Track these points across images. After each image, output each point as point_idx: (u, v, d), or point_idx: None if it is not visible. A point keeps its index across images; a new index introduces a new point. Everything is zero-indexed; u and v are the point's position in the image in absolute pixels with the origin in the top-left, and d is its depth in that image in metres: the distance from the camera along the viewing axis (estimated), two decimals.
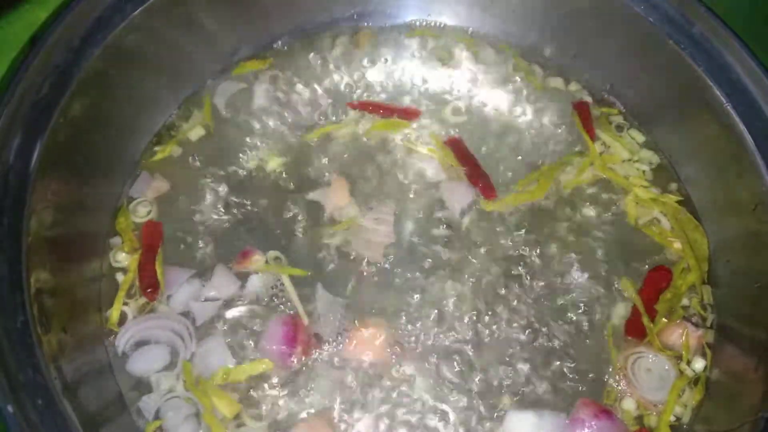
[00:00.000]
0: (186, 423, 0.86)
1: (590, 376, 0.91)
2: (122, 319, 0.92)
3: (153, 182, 1.02)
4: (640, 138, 1.09)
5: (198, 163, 1.04)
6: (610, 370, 0.91)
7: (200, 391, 0.87)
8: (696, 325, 0.95)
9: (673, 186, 1.06)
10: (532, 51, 1.16)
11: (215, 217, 1.00)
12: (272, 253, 0.97)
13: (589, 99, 1.13)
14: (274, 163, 1.04)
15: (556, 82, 1.14)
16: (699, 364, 0.93)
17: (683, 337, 0.93)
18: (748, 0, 1.12)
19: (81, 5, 0.88)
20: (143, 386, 0.89)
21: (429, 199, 1.03)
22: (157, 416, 0.86)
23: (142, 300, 0.93)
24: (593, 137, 1.07)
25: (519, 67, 1.15)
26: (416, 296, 0.95)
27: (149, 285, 0.93)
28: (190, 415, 0.86)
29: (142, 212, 1.00)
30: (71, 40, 0.87)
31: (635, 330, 0.94)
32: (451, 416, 0.88)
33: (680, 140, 1.05)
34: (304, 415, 0.87)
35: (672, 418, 0.89)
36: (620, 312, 0.96)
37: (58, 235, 0.86)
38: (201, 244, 0.98)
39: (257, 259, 0.96)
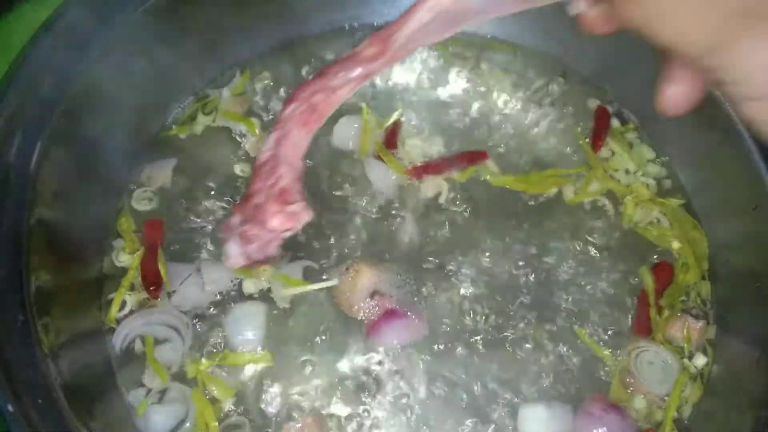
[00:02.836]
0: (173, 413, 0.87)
1: (595, 372, 0.92)
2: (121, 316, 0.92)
3: (154, 176, 1.02)
4: (650, 154, 1.08)
5: (201, 160, 1.05)
6: (611, 366, 0.92)
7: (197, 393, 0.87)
8: (696, 317, 0.95)
9: (673, 185, 1.05)
10: (537, 54, 1.15)
11: (220, 212, 1.00)
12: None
13: (597, 104, 1.12)
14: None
15: (564, 88, 1.13)
16: (700, 359, 0.93)
17: (684, 330, 0.93)
18: None
19: (81, 4, 0.88)
20: (142, 383, 0.88)
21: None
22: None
23: (142, 295, 0.93)
24: (599, 146, 1.07)
25: (522, 72, 1.14)
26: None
27: (152, 283, 0.93)
28: (180, 410, 0.87)
29: (144, 205, 1.00)
30: (72, 40, 0.87)
31: (642, 327, 0.94)
32: (460, 413, 0.88)
33: (680, 140, 1.05)
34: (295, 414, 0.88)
35: (675, 414, 0.89)
36: (615, 313, 0.96)
37: (58, 235, 0.86)
38: (203, 237, 0.98)
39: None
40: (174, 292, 0.93)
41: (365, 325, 0.92)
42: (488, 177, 1.04)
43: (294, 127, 0.65)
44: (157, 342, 0.90)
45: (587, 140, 1.08)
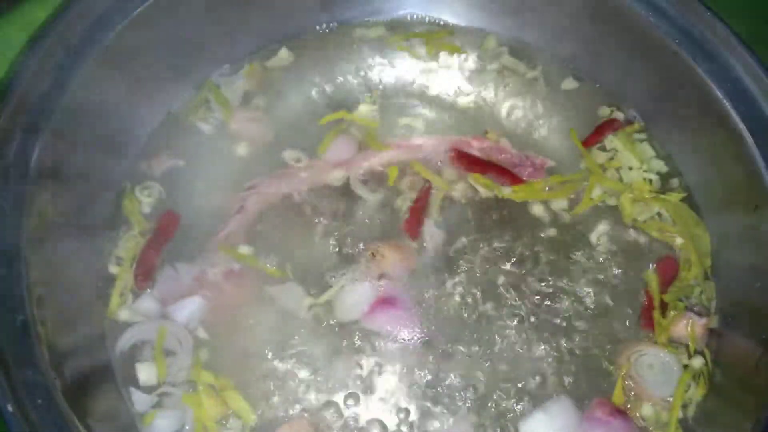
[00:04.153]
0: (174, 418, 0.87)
1: (599, 377, 0.91)
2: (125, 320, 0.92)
3: (154, 169, 1.02)
4: (652, 153, 1.07)
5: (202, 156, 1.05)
6: (613, 372, 0.91)
7: (192, 397, 0.87)
8: (699, 314, 0.94)
9: (675, 182, 1.05)
10: (536, 51, 1.15)
11: (217, 210, 1.00)
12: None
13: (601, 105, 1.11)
14: None
15: (566, 85, 1.13)
16: (701, 359, 0.92)
17: (689, 328, 0.93)
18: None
19: (80, 4, 0.88)
20: (141, 384, 0.88)
21: None
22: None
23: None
24: (592, 142, 1.06)
25: (523, 69, 1.14)
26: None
27: (143, 272, 0.93)
28: (179, 413, 0.87)
29: (144, 197, 1.00)
30: (70, 40, 0.87)
31: (647, 323, 0.94)
32: (460, 416, 0.88)
33: (681, 139, 1.05)
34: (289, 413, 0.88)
35: (680, 415, 0.89)
36: (618, 316, 0.95)
37: (58, 232, 0.86)
38: (199, 234, 0.98)
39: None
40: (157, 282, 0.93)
41: None
42: (503, 193, 1.03)
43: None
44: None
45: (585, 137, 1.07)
